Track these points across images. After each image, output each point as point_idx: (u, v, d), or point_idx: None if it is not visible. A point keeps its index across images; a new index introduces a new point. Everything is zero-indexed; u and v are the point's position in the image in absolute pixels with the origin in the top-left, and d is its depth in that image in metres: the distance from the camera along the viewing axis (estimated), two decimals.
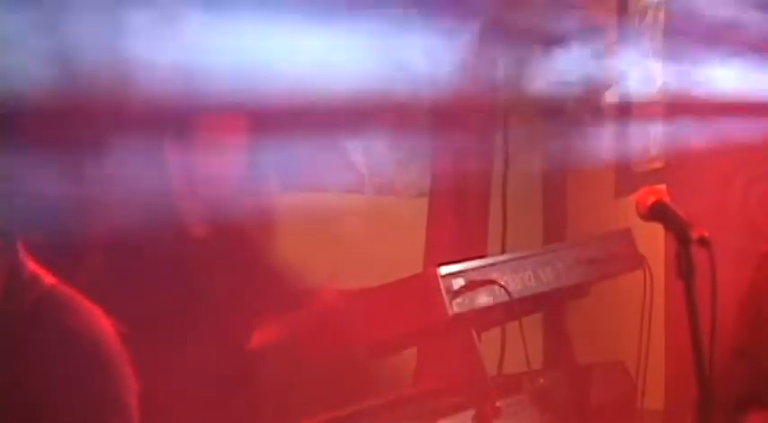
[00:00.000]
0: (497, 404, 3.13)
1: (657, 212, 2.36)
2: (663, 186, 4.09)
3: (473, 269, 3.07)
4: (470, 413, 3.13)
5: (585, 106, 5.47)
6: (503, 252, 3.34)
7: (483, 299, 3.07)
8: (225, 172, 3.79)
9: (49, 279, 2.45)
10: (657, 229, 2.39)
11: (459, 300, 2.98)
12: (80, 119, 4.67)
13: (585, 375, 3.53)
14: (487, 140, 5.22)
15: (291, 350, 3.37)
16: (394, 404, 3.61)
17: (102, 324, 2.36)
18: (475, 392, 3.17)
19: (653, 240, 3.35)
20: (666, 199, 2.38)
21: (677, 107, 4.39)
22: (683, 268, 2.22)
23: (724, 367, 2.40)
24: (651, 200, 2.38)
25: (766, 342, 2.54)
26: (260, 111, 3.88)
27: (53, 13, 4.59)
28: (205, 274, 3.87)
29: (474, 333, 3.15)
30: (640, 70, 5.35)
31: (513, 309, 3.11)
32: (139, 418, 2.35)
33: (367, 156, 5.75)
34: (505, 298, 3.09)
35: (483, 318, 3.18)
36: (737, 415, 2.44)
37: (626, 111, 5.38)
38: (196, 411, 3.72)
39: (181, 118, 3.81)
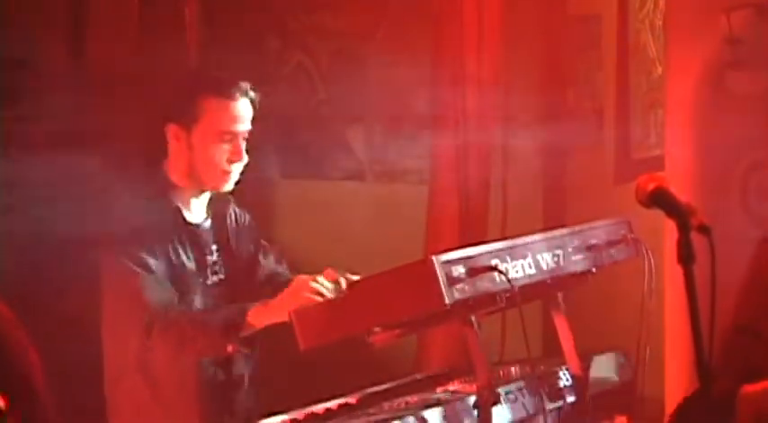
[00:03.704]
0: (498, 391, 3.13)
1: (658, 199, 2.36)
2: (663, 173, 4.11)
3: (473, 256, 3.07)
4: (471, 400, 3.14)
5: None
6: (503, 239, 3.32)
7: (483, 286, 3.06)
8: (226, 158, 3.79)
9: None
10: (658, 215, 2.39)
11: (458, 286, 2.98)
12: None
13: (585, 363, 3.54)
14: (488, 127, 5.22)
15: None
16: (394, 391, 3.61)
17: None
18: (475, 379, 3.17)
19: (653, 227, 3.35)
20: (667, 185, 2.37)
21: None
22: (683, 255, 2.22)
23: (725, 343, 2.40)
24: (652, 186, 2.37)
25: None
26: None
27: None
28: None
29: (474, 320, 3.14)
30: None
31: (512, 296, 3.11)
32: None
33: (367, 143, 5.75)
34: (505, 285, 3.09)
35: (483, 305, 3.18)
36: (737, 389, 2.45)
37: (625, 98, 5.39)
38: None
39: (186, 101, 3.80)
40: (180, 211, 3.80)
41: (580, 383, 3.48)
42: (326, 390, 3.64)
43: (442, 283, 2.94)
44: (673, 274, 2.35)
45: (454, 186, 5.14)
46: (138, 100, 4.84)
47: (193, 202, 3.86)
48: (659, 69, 5.14)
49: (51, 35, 4.91)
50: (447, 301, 2.94)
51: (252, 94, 3.83)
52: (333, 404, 3.49)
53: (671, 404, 3.93)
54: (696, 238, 2.27)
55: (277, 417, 3.41)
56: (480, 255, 3.10)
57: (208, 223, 3.90)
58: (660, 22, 5.15)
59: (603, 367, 3.70)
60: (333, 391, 3.62)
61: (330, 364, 4.10)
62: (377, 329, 3.21)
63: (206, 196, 3.89)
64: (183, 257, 3.77)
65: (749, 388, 2.45)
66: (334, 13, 5.76)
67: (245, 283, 3.93)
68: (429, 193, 5.27)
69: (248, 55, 5.39)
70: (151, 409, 3.73)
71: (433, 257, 2.97)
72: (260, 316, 3.55)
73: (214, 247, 3.89)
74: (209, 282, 3.83)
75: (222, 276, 3.88)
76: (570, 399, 3.46)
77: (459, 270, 3.00)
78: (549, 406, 3.38)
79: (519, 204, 5.53)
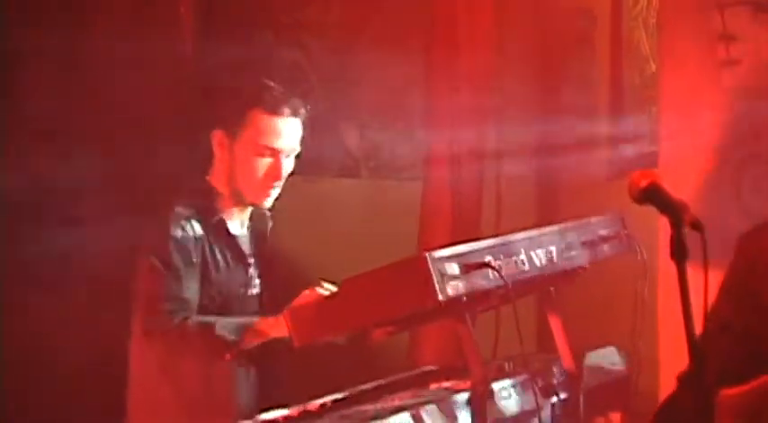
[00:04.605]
0: (491, 387, 3.13)
1: (651, 195, 2.35)
2: (656, 169, 4.11)
3: (466, 252, 3.07)
4: (464, 396, 3.14)
5: None
6: (496, 235, 3.32)
7: (476, 282, 3.06)
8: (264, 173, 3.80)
9: None
10: (652, 211, 2.39)
11: (452, 283, 2.98)
12: None
13: (579, 359, 3.54)
14: (482, 123, 5.22)
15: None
16: (388, 388, 3.61)
17: None
18: (469, 375, 3.17)
19: (646, 223, 3.35)
20: (660, 182, 2.37)
21: None
22: (676, 251, 2.22)
23: (707, 343, 2.40)
24: (644, 183, 2.37)
25: (750, 321, 2.54)
26: None
27: None
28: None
29: (467, 316, 3.14)
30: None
31: (506, 292, 3.10)
32: None
33: (361, 139, 5.75)
34: (499, 281, 3.09)
35: (476, 301, 3.18)
36: (717, 390, 2.45)
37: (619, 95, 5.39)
38: None
39: (235, 109, 3.80)
40: (224, 223, 3.81)
41: (573, 379, 3.48)
42: (320, 386, 3.64)
43: (435, 279, 2.94)
44: (667, 271, 2.35)
45: (447, 183, 5.14)
46: (135, 95, 4.84)
47: (235, 212, 3.87)
48: (653, 66, 5.14)
49: (48, 32, 4.91)
50: (440, 297, 2.94)
51: (304, 113, 3.82)
52: (326, 400, 3.48)
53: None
54: (690, 234, 2.27)
55: (271, 413, 3.41)
56: (474, 251, 3.09)
57: (247, 236, 3.91)
58: (654, 20, 5.15)
59: (598, 363, 3.70)
60: (326, 388, 3.61)
61: (323, 360, 4.10)
62: (370, 326, 3.21)
63: (248, 210, 3.90)
64: (224, 268, 3.78)
65: (728, 391, 2.45)
66: (326, 8, 5.75)
67: (279, 298, 3.93)
68: (422, 189, 5.27)
69: (242, 50, 5.38)
70: (174, 410, 3.74)
71: (427, 254, 2.97)
72: (275, 327, 3.56)
73: (252, 261, 3.89)
74: (248, 294, 3.85)
75: (258, 290, 3.89)
76: (564, 395, 3.46)
77: (453, 267, 3.00)
78: (543, 402, 3.38)
79: (512, 201, 5.53)
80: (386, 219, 5.44)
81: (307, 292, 3.51)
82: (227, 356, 3.63)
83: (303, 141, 3.87)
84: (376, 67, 5.65)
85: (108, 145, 4.87)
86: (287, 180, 3.91)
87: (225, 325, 3.62)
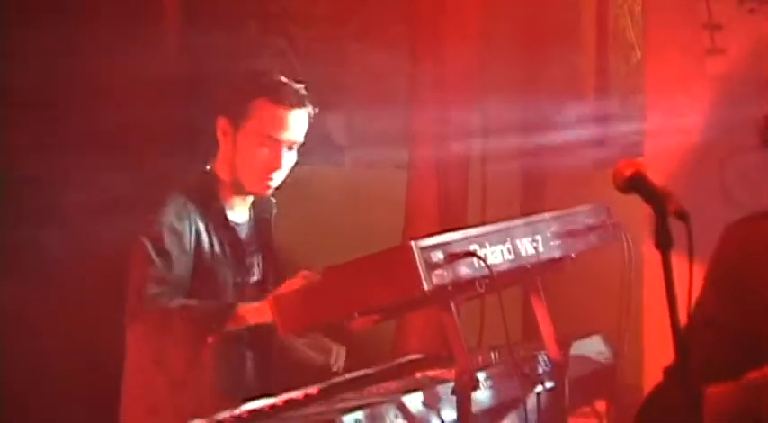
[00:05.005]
0: (477, 376, 3.13)
1: (635, 184, 2.35)
2: (641, 158, 4.12)
3: (452, 241, 3.06)
4: (449, 385, 3.13)
5: None
6: (482, 225, 3.31)
7: (462, 271, 3.05)
8: (264, 163, 3.79)
9: None
10: (639, 201, 2.38)
11: (437, 272, 2.97)
12: None
13: (564, 348, 3.54)
14: (467, 112, 5.22)
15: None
16: (373, 377, 3.61)
17: None
18: (454, 365, 3.17)
19: (633, 214, 3.35)
20: (644, 171, 2.37)
21: None
22: (661, 240, 2.22)
23: (692, 336, 2.40)
24: (629, 172, 2.36)
25: (735, 315, 2.53)
26: None
27: None
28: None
29: (453, 305, 3.13)
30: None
31: (492, 281, 3.10)
32: None
33: (346, 128, 5.74)
34: (484, 270, 3.08)
35: (462, 290, 3.17)
36: (702, 384, 2.44)
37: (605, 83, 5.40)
38: None
39: (240, 97, 3.79)
40: (223, 210, 3.81)
41: (559, 368, 3.48)
42: (306, 375, 3.64)
43: (420, 268, 2.92)
44: (652, 261, 2.34)
45: (433, 172, 5.14)
46: (131, 89, 4.85)
47: (236, 200, 3.86)
48: (638, 54, 5.15)
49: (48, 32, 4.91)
50: (425, 286, 2.93)
51: (309, 106, 3.81)
52: (312, 389, 3.48)
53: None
54: (676, 224, 2.26)
55: (256, 402, 3.40)
56: (459, 240, 3.09)
57: (250, 224, 3.91)
58: (639, 8, 5.15)
59: (583, 352, 3.70)
60: (309, 379, 3.61)
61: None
62: (355, 315, 3.20)
63: (250, 198, 3.90)
64: (219, 255, 3.77)
65: (713, 389, 2.44)
66: None
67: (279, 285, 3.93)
68: (408, 178, 5.27)
69: (227, 39, 5.38)
70: (167, 404, 3.73)
71: (412, 243, 2.96)
72: (254, 313, 3.55)
73: (251, 249, 3.88)
74: (245, 282, 3.84)
75: (259, 278, 3.88)
76: (549, 384, 3.46)
77: (438, 255, 2.99)
78: (528, 391, 3.38)
79: (498, 190, 5.53)
80: (370, 207, 5.44)
81: (291, 280, 3.51)
82: (210, 339, 3.62)
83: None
84: (361, 56, 5.64)
85: (107, 143, 4.88)
86: None
87: (207, 307, 3.62)
